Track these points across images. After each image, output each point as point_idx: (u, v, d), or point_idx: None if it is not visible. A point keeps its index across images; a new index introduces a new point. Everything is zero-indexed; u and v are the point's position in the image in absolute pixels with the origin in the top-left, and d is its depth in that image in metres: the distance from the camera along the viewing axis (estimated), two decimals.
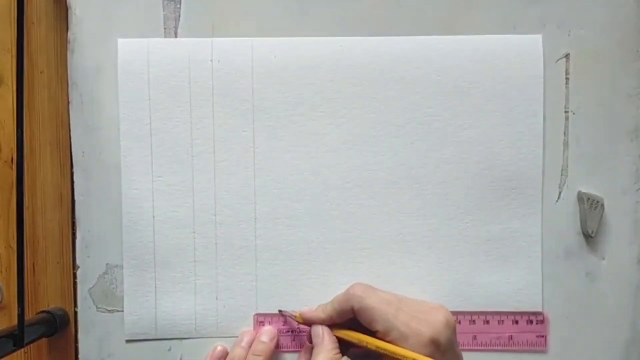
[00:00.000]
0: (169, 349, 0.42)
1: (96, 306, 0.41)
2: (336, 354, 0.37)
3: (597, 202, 0.41)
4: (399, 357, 0.35)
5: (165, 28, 0.41)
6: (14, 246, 0.42)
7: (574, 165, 0.42)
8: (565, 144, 0.42)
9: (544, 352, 0.41)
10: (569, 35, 0.41)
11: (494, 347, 0.41)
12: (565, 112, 0.42)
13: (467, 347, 0.41)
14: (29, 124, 0.42)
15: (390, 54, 0.41)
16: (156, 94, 0.41)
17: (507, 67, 0.41)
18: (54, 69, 0.42)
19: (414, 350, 0.35)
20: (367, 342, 0.37)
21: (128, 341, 0.41)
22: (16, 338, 0.38)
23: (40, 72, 0.42)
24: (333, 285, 0.41)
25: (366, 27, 0.41)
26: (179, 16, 0.41)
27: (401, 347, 0.35)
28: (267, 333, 0.41)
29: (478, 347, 0.42)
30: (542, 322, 0.41)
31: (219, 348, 0.41)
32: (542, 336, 0.41)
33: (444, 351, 0.35)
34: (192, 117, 0.41)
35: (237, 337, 0.41)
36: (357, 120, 0.41)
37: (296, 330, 0.41)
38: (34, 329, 0.39)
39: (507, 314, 0.41)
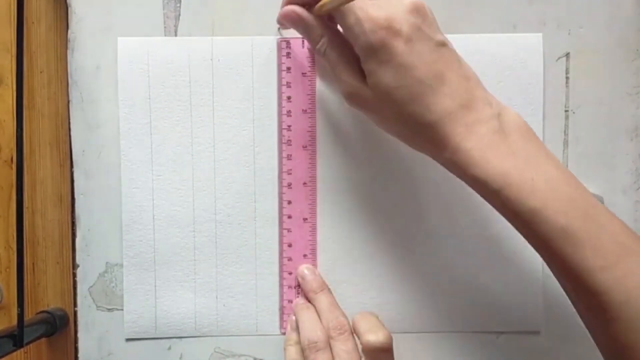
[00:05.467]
0: (169, 348, 0.42)
1: (96, 305, 0.41)
2: None
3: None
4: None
5: (165, 27, 0.41)
6: (14, 246, 0.42)
7: (574, 164, 0.42)
8: (565, 143, 0.42)
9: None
10: (569, 34, 0.41)
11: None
12: (565, 111, 0.42)
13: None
14: (29, 124, 0.42)
15: None
16: (156, 92, 0.41)
17: (507, 65, 0.41)
18: (54, 69, 0.42)
19: (365, 40, 0.32)
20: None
21: (128, 340, 0.41)
22: (16, 338, 0.38)
23: (40, 72, 0.42)
24: (332, 283, 0.41)
25: None
26: (179, 15, 0.41)
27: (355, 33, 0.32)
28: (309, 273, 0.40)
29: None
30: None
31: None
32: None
33: (408, 39, 0.32)
34: (192, 115, 0.41)
35: (237, 335, 0.42)
36: (357, 119, 0.41)
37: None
38: (33, 329, 0.39)
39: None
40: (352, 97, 0.35)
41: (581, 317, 0.34)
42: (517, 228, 0.33)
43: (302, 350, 0.37)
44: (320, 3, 0.34)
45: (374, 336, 0.35)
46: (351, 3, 0.32)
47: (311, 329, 0.37)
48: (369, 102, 0.34)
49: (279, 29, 0.41)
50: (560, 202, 0.31)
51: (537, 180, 0.32)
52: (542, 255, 0.33)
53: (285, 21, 0.36)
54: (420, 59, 0.32)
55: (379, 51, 0.32)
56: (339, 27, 0.35)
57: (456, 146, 0.32)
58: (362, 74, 0.34)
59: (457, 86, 0.33)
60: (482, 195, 0.33)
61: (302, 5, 0.35)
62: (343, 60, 0.35)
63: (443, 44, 0.33)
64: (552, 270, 0.34)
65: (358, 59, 0.34)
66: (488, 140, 0.32)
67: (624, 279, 0.30)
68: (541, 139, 0.41)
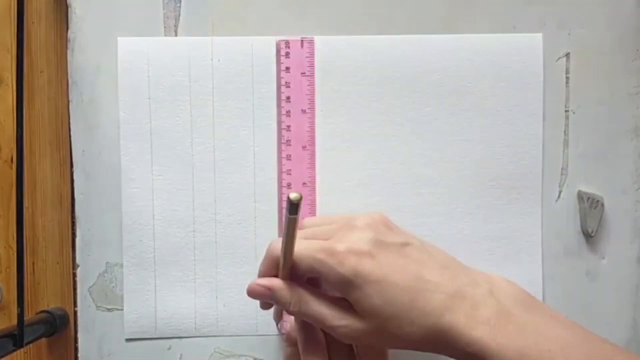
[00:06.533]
0: (169, 348, 0.42)
1: (96, 305, 0.41)
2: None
3: (597, 201, 0.41)
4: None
5: (165, 27, 0.41)
6: (14, 246, 0.42)
7: (574, 165, 0.42)
8: (565, 143, 0.42)
9: None
10: (569, 34, 0.41)
11: None
12: (566, 111, 0.42)
13: None
14: (28, 124, 0.42)
15: (389, 53, 0.41)
16: (156, 92, 0.41)
17: (507, 66, 0.41)
18: (54, 69, 0.42)
19: (336, 275, 0.32)
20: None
21: (128, 340, 0.41)
22: (16, 338, 0.38)
23: (40, 72, 0.42)
24: None
25: (366, 26, 0.41)
26: (179, 15, 0.41)
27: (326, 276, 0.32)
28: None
29: None
30: None
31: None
32: None
33: (372, 255, 0.32)
34: (192, 115, 0.41)
35: (237, 335, 0.42)
36: (356, 119, 0.41)
37: None
38: (33, 328, 0.39)
39: None
40: (348, 337, 0.33)
41: None
42: None
43: (298, 351, 0.37)
44: (281, 267, 0.33)
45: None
46: (311, 254, 0.32)
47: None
48: (366, 334, 0.33)
49: (277, 326, 0.41)
50: None
51: (554, 351, 0.31)
52: None
53: (254, 297, 0.35)
54: (392, 269, 0.32)
55: (353, 278, 0.32)
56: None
57: (467, 339, 0.31)
58: (347, 311, 0.33)
59: (438, 279, 0.33)
60: None
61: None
62: (323, 308, 0.33)
63: (406, 244, 0.34)
64: None
65: (336, 300, 0.34)
66: (494, 323, 0.32)
67: None
68: (541, 139, 0.41)
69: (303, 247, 0.33)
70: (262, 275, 0.35)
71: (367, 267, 0.32)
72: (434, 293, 0.32)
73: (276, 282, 0.34)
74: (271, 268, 0.34)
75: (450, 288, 0.32)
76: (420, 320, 0.32)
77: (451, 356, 0.33)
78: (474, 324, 0.32)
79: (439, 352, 0.33)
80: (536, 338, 0.32)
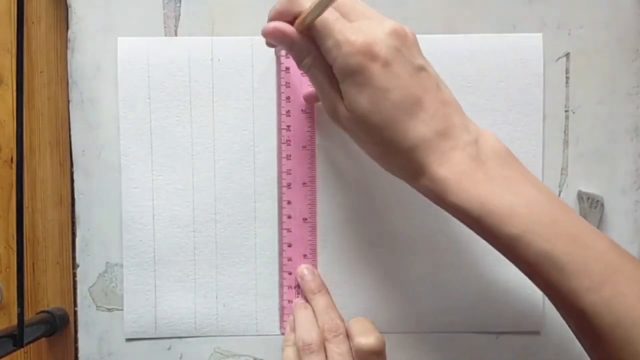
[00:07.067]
0: (169, 348, 0.42)
1: (96, 305, 0.41)
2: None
3: (597, 201, 0.41)
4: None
5: (165, 27, 0.41)
6: (14, 246, 0.42)
7: (574, 165, 0.42)
8: (565, 143, 0.42)
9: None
10: (569, 34, 0.41)
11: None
12: (565, 111, 0.42)
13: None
14: (28, 124, 0.42)
15: None
16: (156, 92, 0.41)
17: (507, 66, 0.41)
18: (54, 69, 0.42)
19: (342, 62, 0.31)
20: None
21: (128, 340, 0.41)
22: (16, 338, 0.38)
23: (40, 72, 0.42)
24: (332, 283, 0.41)
25: None
26: (179, 15, 0.41)
27: (332, 56, 0.32)
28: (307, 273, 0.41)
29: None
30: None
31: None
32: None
33: (386, 63, 0.31)
34: (192, 115, 0.41)
35: (237, 335, 0.42)
36: None
37: None
38: (33, 329, 0.39)
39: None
40: (332, 115, 0.34)
41: (574, 334, 0.33)
42: (501, 253, 0.32)
43: (297, 351, 0.37)
44: (299, 19, 0.33)
45: (365, 339, 0.35)
46: (331, 25, 0.31)
47: (306, 330, 0.37)
48: (346, 123, 0.33)
49: (275, 51, 0.41)
50: (542, 226, 0.30)
51: (517, 206, 0.31)
52: (528, 278, 0.32)
53: (270, 38, 0.34)
54: (397, 83, 0.31)
55: (356, 74, 0.31)
56: None
57: (432, 174, 0.32)
58: (340, 92, 0.33)
59: (434, 112, 0.32)
60: (462, 222, 0.33)
61: (287, 21, 0.33)
62: (327, 79, 0.33)
63: (422, 68, 0.32)
64: (540, 290, 0.33)
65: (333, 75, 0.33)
66: (464, 167, 0.31)
67: (612, 300, 0.29)
68: (541, 139, 0.41)
69: (327, 19, 0.31)
70: (272, 18, 0.34)
71: (375, 72, 0.31)
72: (421, 122, 0.31)
73: (295, 32, 0.33)
74: (284, 17, 0.33)
75: (440, 125, 0.32)
76: (397, 141, 0.32)
77: (413, 187, 0.33)
78: (444, 163, 0.31)
79: (402, 178, 0.34)
80: (502, 191, 0.31)
